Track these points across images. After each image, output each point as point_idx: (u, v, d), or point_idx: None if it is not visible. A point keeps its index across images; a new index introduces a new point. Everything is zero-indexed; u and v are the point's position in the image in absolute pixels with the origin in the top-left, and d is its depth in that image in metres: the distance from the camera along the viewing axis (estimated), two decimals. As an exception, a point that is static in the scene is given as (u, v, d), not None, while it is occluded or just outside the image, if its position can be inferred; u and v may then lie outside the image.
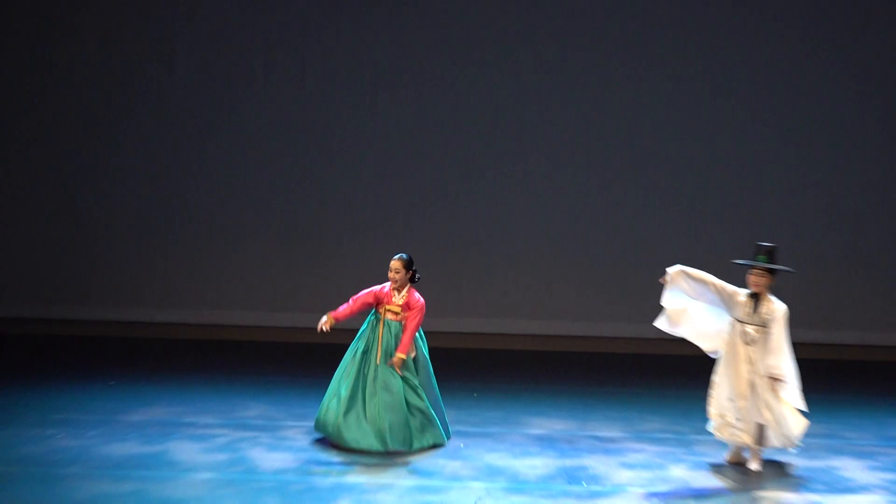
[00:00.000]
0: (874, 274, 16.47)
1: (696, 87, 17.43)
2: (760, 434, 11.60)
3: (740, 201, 17.20)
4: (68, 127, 17.29)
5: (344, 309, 11.98)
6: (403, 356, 11.79)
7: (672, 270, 11.60)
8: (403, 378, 11.85)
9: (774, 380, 11.42)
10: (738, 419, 11.64)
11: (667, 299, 11.82)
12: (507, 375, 14.63)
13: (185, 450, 11.76)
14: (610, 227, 16.92)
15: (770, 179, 17.16)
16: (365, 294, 12.02)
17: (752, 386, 11.53)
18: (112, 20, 17.62)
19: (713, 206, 17.34)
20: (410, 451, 11.91)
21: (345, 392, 11.88)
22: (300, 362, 13.89)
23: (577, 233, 16.85)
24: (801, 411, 11.63)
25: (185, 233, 16.90)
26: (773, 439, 11.60)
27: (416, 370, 12.01)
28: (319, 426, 12.06)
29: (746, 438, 11.60)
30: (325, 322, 11.84)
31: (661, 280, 11.65)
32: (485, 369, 14.58)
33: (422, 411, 11.97)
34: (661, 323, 11.87)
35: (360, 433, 11.84)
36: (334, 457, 11.71)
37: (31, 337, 15.69)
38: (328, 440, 12.12)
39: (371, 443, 11.83)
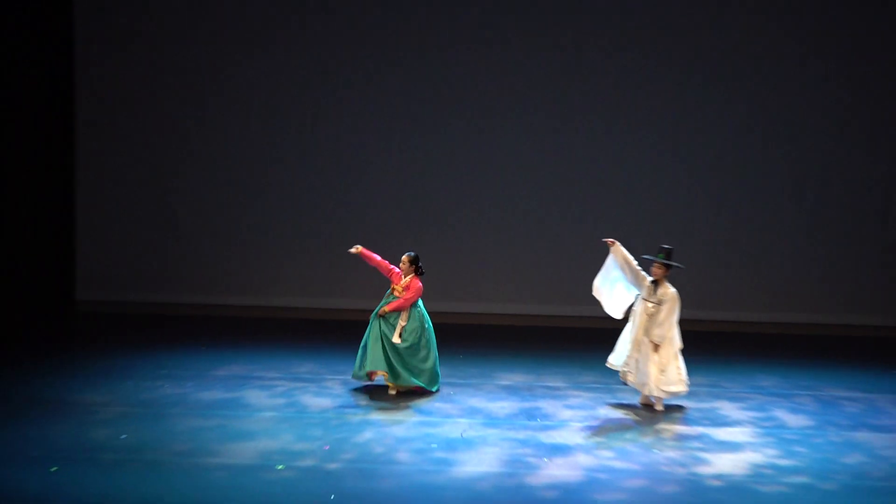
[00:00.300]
0: (746, 265, 16.20)
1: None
2: (647, 382, 11.68)
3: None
4: (171, 152, 16.60)
5: (373, 257, 12.02)
6: (388, 310, 11.88)
7: (613, 240, 11.72)
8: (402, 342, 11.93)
9: (655, 345, 11.57)
10: (630, 371, 11.77)
11: (603, 271, 11.91)
12: (483, 343, 14.67)
13: (254, 395, 11.93)
14: (546, 226, 16.48)
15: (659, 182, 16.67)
16: (388, 266, 12.05)
17: (643, 345, 11.69)
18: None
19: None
20: (408, 384, 12.05)
21: (383, 365, 11.99)
22: (339, 333, 14.03)
23: (532, 234, 16.52)
24: (680, 369, 11.71)
25: (254, 235, 16.58)
26: (654, 389, 11.71)
27: (419, 338, 12.05)
28: (356, 376, 12.18)
29: (632, 379, 11.76)
30: (356, 249, 11.96)
31: (607, 241, 11.70)
32: (467, 339, 14.53)
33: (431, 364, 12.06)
34: (595, 286, 11.95)
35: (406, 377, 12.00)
36: (361, 401, 11.83)
37: (144, 316, 15.66)
38: (361, 385, 12.16)
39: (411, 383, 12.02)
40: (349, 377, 12.51)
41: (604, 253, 11.86)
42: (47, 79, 15.76)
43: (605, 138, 16.16)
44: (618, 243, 11.76)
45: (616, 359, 11.95)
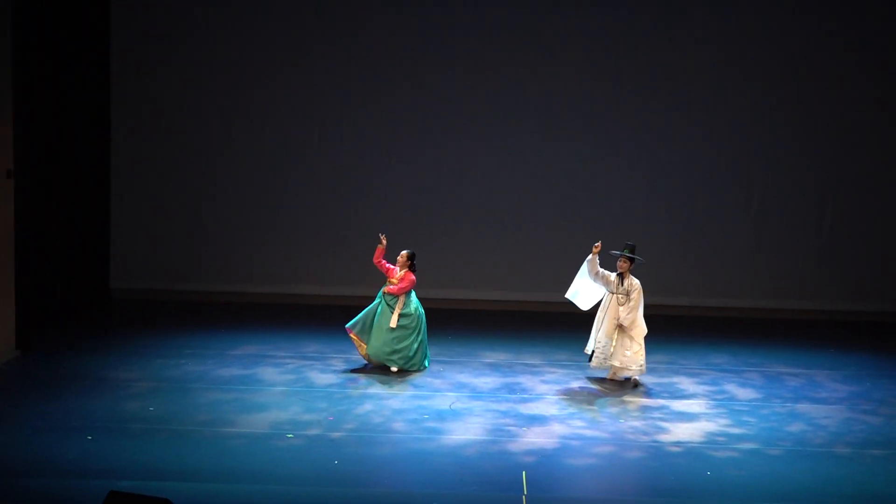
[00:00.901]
0: (699, 256, 16.07)
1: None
2: (620, 364, 11.65)
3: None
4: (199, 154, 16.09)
5: (380, 254, 11.97)
6: (390, 291, 11.85)
7: (598, 245, 11.65)
8: (399, 327, 11.85)
9: (622, 327, 11.56)
10: (605, 356, 11.70)
11: (577, 280, 11.92)
12: (469, 326, 14.62)
13: (267, 372, 11.92)
14: (531, 220, 16.08)
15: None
16: (386, 266, 11.98)
17: (615, 331, 11.65)
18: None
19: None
20: (406, 368, 11.97)
21: (358, 328, 11.98)
22: (343, 319, 13.97)
23: (517, 226, 16.10)
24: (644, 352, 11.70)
25: (269, 230, 16.24)
26: (626, 370, 11.73)
27: (411, 323, 11.96)
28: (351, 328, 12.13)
29: (609, 363, 11.70)
30: (384, 240, 12.00)
31: (594, 246, 11.63)
32: (455, 322, 14.53)
33: (405, 349, 11.95)
34: (572, 297, 12.06)
35: (380, 355, 11.92)
36: (362, 377, 11.84)
37: (171, 302, 15.60)
38: (361, 364, 12.13)
39: (383, 361, 11.96)
40: (352, 356, 12.48)
41: (577, 246, 11.85)
42: (84, 70, 15.40)
43: (577, 135, 15.86)
44: (597, 254, 11.69)
45: (591, 346, 11.91)
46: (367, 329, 11.98)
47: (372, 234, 15.33)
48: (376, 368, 12.04)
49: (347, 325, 12.08)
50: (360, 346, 12.03)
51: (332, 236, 16.09)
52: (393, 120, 16.03)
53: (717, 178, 15.96)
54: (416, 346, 12.00)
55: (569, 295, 12.13)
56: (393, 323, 11.83)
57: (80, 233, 15.54)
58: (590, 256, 11.73)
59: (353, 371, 12.05)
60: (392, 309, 11.88)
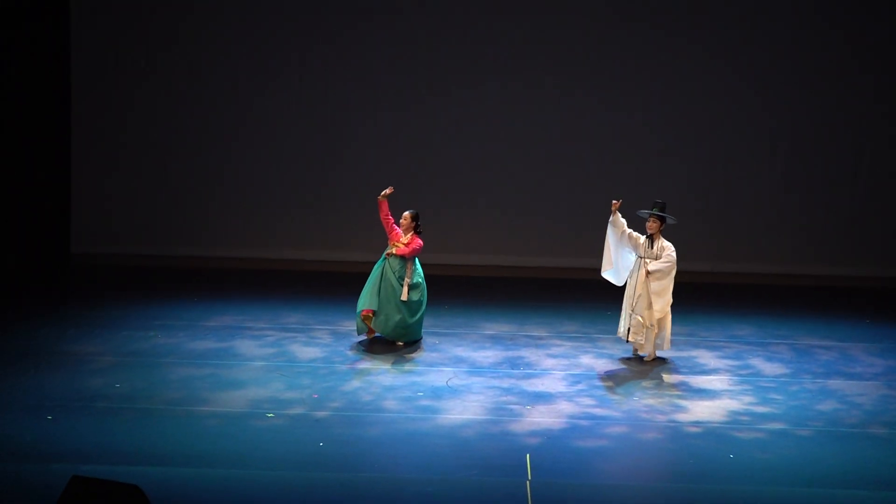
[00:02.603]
0: (722, 218, 16.11)
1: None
2: (647, 338, 11.61)
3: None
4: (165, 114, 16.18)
5: (385, 207, 11.76)
6: (396, 253, 11.71)
7: (617, 202, 11.42)
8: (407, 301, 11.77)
9: (648, 273, 11.39)
10: (634, 330, 11.58)
11: (608, 250, 11.62)
12: (468, 294, 14.62)
13: (245, 345, 11.92)
14: (532, 180, 16.12)
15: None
16: (391, 222, 11.83)
17: (644, 303, 11.47)
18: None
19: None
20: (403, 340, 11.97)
21: (375, 304, 11.75)
22: (326, 285, 14.01)
23: (518, 187, 16.14)
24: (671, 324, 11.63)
25: (244, 188, 16.27)
26: (652, 345, 11.63)
27: (420, 295, 11.91)
28: (360, 329, 11.97)
29: (640, 340, 11.58)
30: (390, 189, 11.79)
31: (613, 203, 11.38)
32: (452, 289, 14.51)
33: (417, 322, 11.96)
34: (607, 274, 11.74)
35: (388, 331, 11.84)
36: (349, 351, 11.85)
37: (138, 268, 15.62)
38: (348, 335, 12.13)
39: (390, 335, 11.88)
40: (337, 327, 12.51)
41: (589, 206, 11.81)
42: (42, 32, 15.52)
43: (586, 95, 15.94)
44: (617, 212, 11.43)
45: (624, 326, 11.67)
46: (374, 300, 11.79)
47: (355, 192, 15.34)
48: (364, 341, 12.05)
49: (363, 308, 11.79)
50: (368, 325, 11.92)
51: (312, 195, 16.09)
52: (380, 65, 16.03)
53: (739, 132, 15.99)
54: (422, 317, 12.04)
55: (605, 273, 11.79)
56: (404, 296, 11.75)
57: (38, 193, 15.52)
58: (611, 217, 11.52)
59: (340, 342, 12.05)
60: (398, 279, 11.77)
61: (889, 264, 16.02)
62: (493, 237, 16.10)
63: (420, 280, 11.93)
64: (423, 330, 12.25)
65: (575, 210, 15.68)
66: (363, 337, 12.10)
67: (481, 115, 16.04)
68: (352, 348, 11.90)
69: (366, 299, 11.79)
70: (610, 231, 11.63)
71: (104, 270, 15.46)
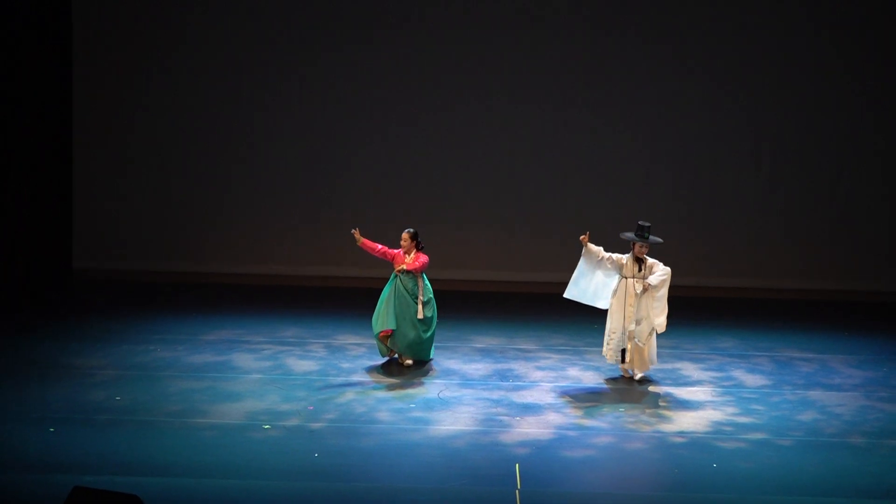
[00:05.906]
0: (705, 234, 16.11)
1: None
2: (641, 359, 11.46)
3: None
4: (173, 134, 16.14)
5: (371, 244, 11.62)
6: (404, 268, 11.52)
7: (585, 236, 11.24)
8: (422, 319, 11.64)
9: (645, 287, 11.20)
10: (616, 350, 11.40)
11: (575, 276, 11.40)
12: (459, 308, 14.50)
13: (242, 358, 11.92)
14: (522, 197, 16.15)
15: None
16: (388, 250, 11.66)
17: (633, 322, 11.28)
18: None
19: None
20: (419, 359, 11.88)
21: (393, 323, 11.55)
22: (322, 301, 14.00)
23: (509, 205, 16.14)
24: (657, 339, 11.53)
25: (242, 207, 16.23)
26: (639, 364, 11.44)
27: (433, 312, 11.78)
28: (382, 352, 11.84)
29: (623, 360, 11.38)
30: (356, 232, 11.55)
31: (582, 238, 11.22)
32: (443, 304, 14.40)
33: (431, 338, 11.85)
34: (569, 293, 11.48)
35: (403, 347, 11.68)
36: (344, 364, 11.84)
37: (139, 284, 15.60)
38: (343, 349, 12.09)
39: (403, 351, 11.73)
40: (332, 341, 12.52)
41: (577, 223, 11.77)
42: (45, 45, 15.40)
43: (576, 111, 15.93)
44: (588, 243, 11.21)
45: (615, 347, 11.39)
46: (392, 319, 11.59)
47: (352, 209, 15.31)
48: (359, 356, 12.04)
49: (382, 329, 11.58)
50: (385, 344, 11.76)
51: (310, 213, 16.07)
52: (375, 84, 16.03)
53: (721, 149, 16.01)
54: (434, 333, 11.91)
55: (567, 295, 11.52)
56: (420, 314, 11.66)
57: (41, 209, 15.49)
58: (584, 249, 11.26)
59: (335, 356, 12.04)
60: (411, 296, 11.60)
61: (867, 278, 16.04)
62: (483, 253, 16.08)
63: (431, 296, 11.81)
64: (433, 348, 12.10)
65: (563, 226, 15.63)
66: (385, 359, 11.89)
67: (470, 132, 16.04)
68: (346, 362, 11.88)
69: (382, 319, 11.58)
70: (583, 260, 11.35)
71: (105, 285, 15.45)
